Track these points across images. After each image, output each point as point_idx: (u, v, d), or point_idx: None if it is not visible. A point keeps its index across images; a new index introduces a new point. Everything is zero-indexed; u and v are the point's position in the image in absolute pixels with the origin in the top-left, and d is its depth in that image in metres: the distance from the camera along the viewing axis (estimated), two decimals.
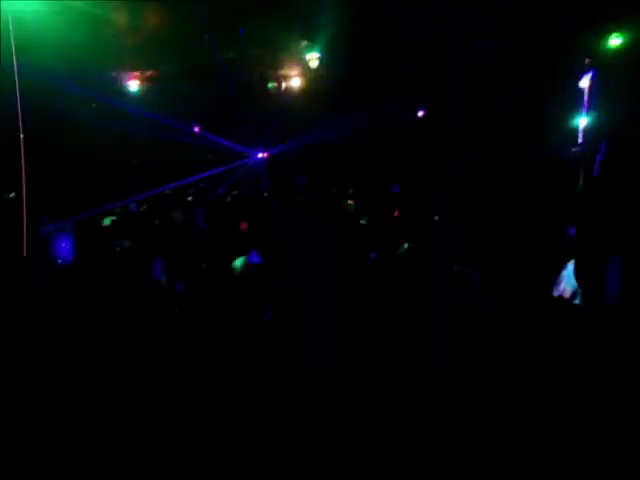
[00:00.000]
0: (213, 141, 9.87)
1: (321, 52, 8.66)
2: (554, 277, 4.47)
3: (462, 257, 3.47)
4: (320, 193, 8.24)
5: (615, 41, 7.24)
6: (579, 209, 5.75)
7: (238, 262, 4.26)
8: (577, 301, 4.14)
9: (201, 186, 9.54)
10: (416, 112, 9.48)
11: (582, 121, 7.17)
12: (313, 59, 8.76)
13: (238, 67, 8.97)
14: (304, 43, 8.96)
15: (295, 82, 9.01)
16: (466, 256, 3.46)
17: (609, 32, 7.28)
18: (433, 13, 7.30)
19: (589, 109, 7.12)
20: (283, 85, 9.03)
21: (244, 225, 5.36)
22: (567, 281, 4.51)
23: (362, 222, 6.32)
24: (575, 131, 7.19)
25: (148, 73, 10.26)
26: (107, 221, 7.57)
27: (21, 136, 5.09)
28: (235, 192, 9.50)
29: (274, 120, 9.00)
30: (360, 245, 4.60)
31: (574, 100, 7.22)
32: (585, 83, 7.22)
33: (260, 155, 8.52)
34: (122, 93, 10.10)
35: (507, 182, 6.33)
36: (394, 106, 8.92)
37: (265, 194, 9.04)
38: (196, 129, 10.41)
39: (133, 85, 10.11)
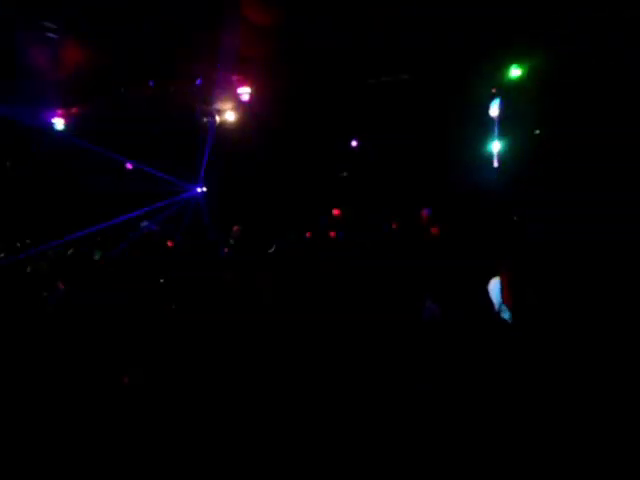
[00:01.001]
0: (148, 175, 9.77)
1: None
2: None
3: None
4: None
5: (515, 72, 8.15)
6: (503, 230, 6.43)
7: None
8: (505, 316, 4.67)
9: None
10: (346, 146, 9.95)
11: (495, 146, 7.99)
12: (245, 93, 9.02)
13: (172, 101, 9.02)
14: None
15: (229, 116, 9.20)
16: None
17: (509, 64, 8.17)
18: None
19: (500, 134, 7.96)
20: (217, 119, 9.19)
21: None
22: (493, 295, 5.05)
23: None
24: (491, 156, 8.00)
25: (74, 110, 10.02)
26: None
27: None
28: None
29: (210, 154, 9.09)
30: None
31: (485, 127, 8.03)
32: (494, 111, 8.06)
33: (199, 190, 8.57)
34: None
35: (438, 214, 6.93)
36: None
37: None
38: (128, 165, 10.24)
39: (59, 123, 9.84)
